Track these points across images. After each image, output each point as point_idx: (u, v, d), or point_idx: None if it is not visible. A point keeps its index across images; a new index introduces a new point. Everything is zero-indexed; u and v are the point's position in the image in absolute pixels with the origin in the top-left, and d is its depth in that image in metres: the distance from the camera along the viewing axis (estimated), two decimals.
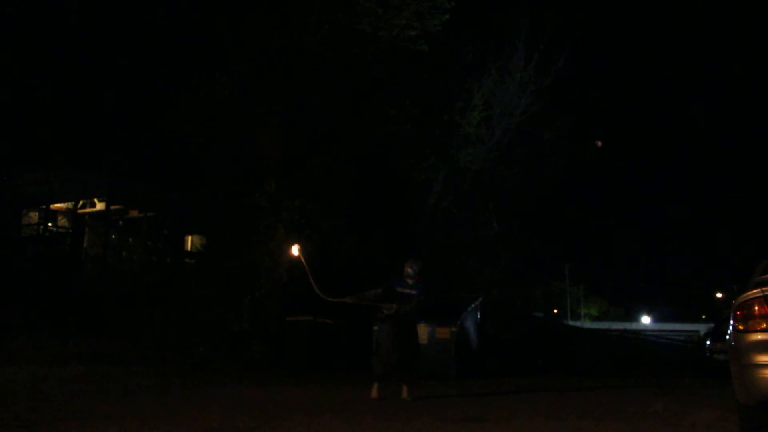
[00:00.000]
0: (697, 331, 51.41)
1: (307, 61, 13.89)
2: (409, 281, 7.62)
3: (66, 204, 21.41)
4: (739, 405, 4.52)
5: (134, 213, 21.79)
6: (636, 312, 71.03)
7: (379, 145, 15.56)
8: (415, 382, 7.69)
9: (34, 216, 21.28)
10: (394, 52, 14.49)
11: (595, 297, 66.43)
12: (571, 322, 48.99)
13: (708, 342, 15.64)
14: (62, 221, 22.11)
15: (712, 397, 8.48)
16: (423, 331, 11.91)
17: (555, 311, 54.43)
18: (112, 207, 20.50)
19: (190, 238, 23.32)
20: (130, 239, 22.98)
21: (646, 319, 69.79)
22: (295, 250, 7.87)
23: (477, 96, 19.70)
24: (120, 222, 22.22)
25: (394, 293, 7.55)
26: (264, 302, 13.19)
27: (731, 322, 4.55)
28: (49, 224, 21.34)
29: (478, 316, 13.29)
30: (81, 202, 21.02)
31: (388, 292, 7.55)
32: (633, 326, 59.59)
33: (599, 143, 24.46)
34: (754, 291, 4.34)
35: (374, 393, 7.46)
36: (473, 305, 13.05)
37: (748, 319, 4.30)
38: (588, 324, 53.41)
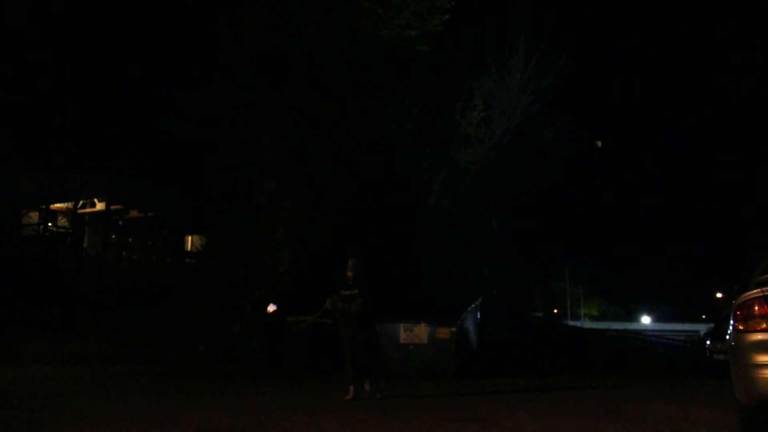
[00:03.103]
0: (697, 331, 51.38)
1: (307, 61, 13.88)
2: (350, 282, 7.80)
3: (66, 204, 21.42)
4: (739, 405, 4.52)
5: (134, 213, 21.80)
6: (636, 312, 71.00)
7: (379, 145, 15.55)
8: (375, 376, 7.88)
9: (34, 216, 21.29)
10: (394, 52, 14.49)
11: (595, 297, 66.41)
12: (571, 322, 48.95)
13: (708, 342, 15.64)
14: (62, 221, 22.12)
15: (712, 397, 8.48)
16: (423, 331, 11.93)
17: (555, 311, 54.40)
18: (112, 207, 20.50)
19: (190, 238, 23.33)
20: (130, 239, 23.01)
21: (646, 319, 69.74)
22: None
23: (477, 96, 19.68)
24: (120, 222, 22.23)
25: (339, 296, 7.79)
26: (264, 302, 13.17)
27: (731, 322, 4.55)
28: (49, 224, 21.36)
29: (478, 316, 13.28)
30: (81, 202, 21.03)
31: (333, 297, 7.83)
32: (633, 326, 59.52)
33: (599, 143, 24.45)
34: (754, 291, 4.34)
35: (351, 395, 7.55)
36: (473, 305, 13.05)
37: (748, 319, 4.30)
38: (588, 324, 53.36)
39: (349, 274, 7.75)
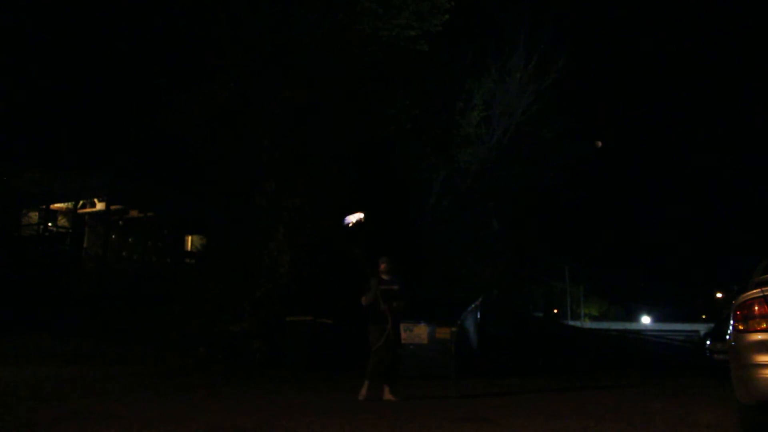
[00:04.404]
0: (697, 331, 51.40)
1: (307, 61, 13.88)
2: (386, 277, 7.70)
3: (66, 204, 21.42)
4: (739, 405, 4.52)
5: (134, 213, 21.80)
6: (636, 312, 71.02)
7: (379, 145, 15.55)
8: (397, 382, 7.74)
9: (34, 216, 21.29)
10: (394, 52, 14.49)
11: (595, 297, 66.39)
12: (571, 322, 48.94)
13: (708, 342, 15.64)
14: (62, 221, 22.12)
15: (712, 397, 8.48)
16: (423, 331, 11.93)
17: (555, 311, 54.41)
18: (112, 207, 20.51)
19: (190, 238, 23.33)
20: (130, 239, 23.00)
21: (646, 319, 69.75)
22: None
23: (477, 96, 19.70)
24: (120, 222, 22.23)
25: (380, 291, 7.62)
26: (264, 302, 13.18)
27: (731, 322, 4.55)
28: (49, 224, 21.36)
29: (478, 316, 13.29)
30: (81, 202, 21.02)
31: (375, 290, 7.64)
32: (633, 326, 59.54)
33: (599, 143, 24.45)
34: (754, 291, 4.34)
35: (364, 393, 7.47)
36: (473, 305, 13.05)
37: (748, 319, 4.30)
38: (588, 324, 53.39)
39: (383, 267, 7.69)
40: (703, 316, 61.31)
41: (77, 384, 8.21)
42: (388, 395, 7.46)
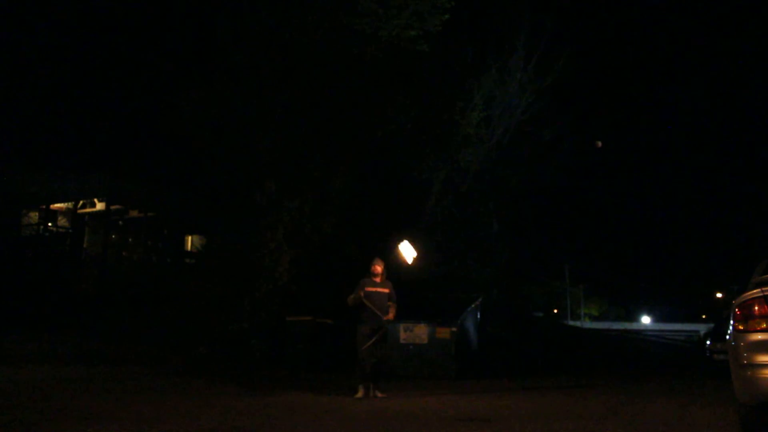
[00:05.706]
0: (697, 331, 51.43)
1: (308, 61, 13.88)
2: (377, 280, 7.90)
3: (66, 204, 21.42)
4: (739, 405, 4.52)
5: (134, 213, 21.79)
6: (636, 312, 71.05)
7: (379, 145, 15.55)
8: (380, 380, 7.99)
9: (34, 216, 21.29)
10: (394, 52, 14.49)
11: (595, 297, 66.42)
12: (571, 322, 48.98)
13: (708, 342, 15.64)
14: (62, 221, 22.12)
15: (712, 397, 8.49)
16: (423, 331, 11.93)
17: (555, 311, 54.46)
18: (112, 207, 20.51)
19: (190, 238, 23.33)
20: (130, 239, 22.99)
21: (646, 319, 69.80)
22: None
23: (477, 96, 19.66)
24: (120, 222, 22.23)
25: (366, 293, 7.85)
26: (264, 302, 13.18)
27: (731, 322, 4.55)
28: (49, 224, 21.35)
29: (478, 316, 13.29)
30: (81, 202, 21.02)
31: (357, 294, 7.87)
32: (633, 326, 59.58)
33: (599, 143, 24.41)
34: (754, 291, 4.34)
35: (361, 393, 7.69)
36: (473, 305, 13.05)
37: (748, 319, 4.30)
38: (588, 324, 53.43)
39: (378, 269, 7.86)
40: (703, 316, 61.34)
41: (77, 384, 8.21)
42: (374, 392, 7.63)
